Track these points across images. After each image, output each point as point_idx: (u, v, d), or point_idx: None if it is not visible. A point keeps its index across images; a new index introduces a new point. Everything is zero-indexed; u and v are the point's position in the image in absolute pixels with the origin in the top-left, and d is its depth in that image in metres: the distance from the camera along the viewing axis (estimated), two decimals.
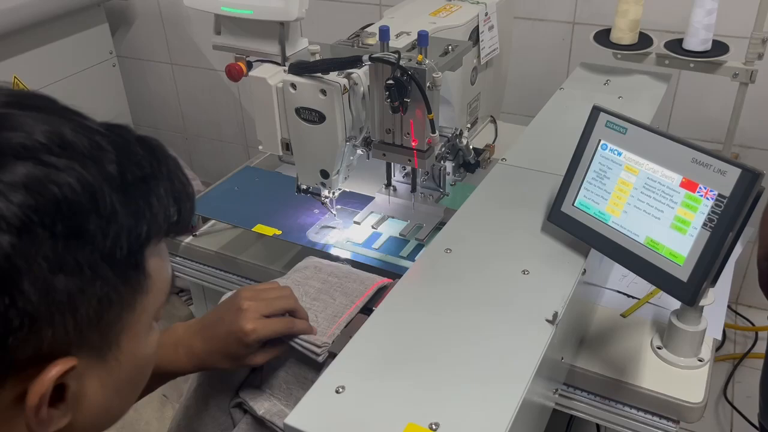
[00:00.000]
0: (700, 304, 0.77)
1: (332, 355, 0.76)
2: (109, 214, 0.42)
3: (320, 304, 0.85)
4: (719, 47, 1.25)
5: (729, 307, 1.94)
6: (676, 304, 0.84)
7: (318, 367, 0.79)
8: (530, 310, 0.73)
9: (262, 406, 0.81)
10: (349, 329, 0.80)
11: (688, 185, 0.71)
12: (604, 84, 1.29)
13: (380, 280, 0.90)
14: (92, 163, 0.43)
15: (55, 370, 0.42)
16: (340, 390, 0.64)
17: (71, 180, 0.41)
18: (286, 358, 0.82)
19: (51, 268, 0.40)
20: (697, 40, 1.23)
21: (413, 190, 1.10)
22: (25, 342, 0.40)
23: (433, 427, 0.60)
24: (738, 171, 0.67)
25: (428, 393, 0.64)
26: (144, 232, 0.45)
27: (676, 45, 1.27)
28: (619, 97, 1.22)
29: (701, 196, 0.70)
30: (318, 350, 0.78)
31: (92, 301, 0.43)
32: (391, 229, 1.09)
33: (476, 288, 0.77)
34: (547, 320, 0.71)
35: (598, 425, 1.11)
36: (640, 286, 1.00)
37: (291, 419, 0.61)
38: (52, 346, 0.42)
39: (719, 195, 0.69)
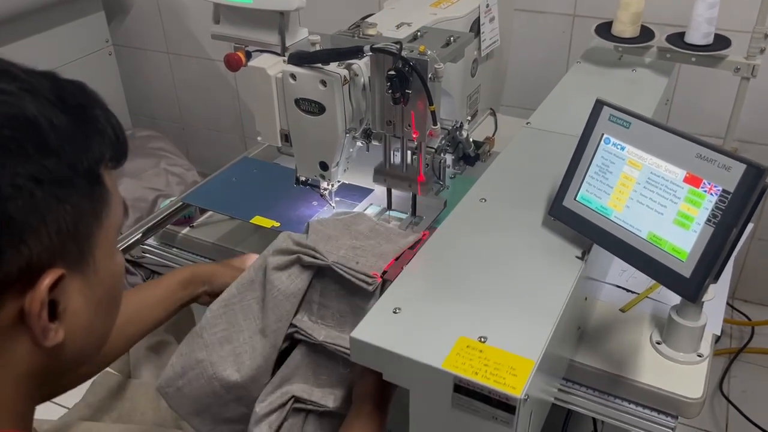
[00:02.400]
0: (702, 300, 0.77)
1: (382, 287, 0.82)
2: (64, 131, 0.48)
3: (369, 245, 0.88)
4: (721, 41, 1.24)
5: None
6: (675, 299, 0.84)
7: (369, 298, 0.84)
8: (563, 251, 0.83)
9: (320, 333, 0.85)
10: (399, 263, 0.85)
11: (692, 180, 0.71)
12: (604, 77, 1.28)
13: (423, 235, 0.93)
14: (35, 91, 0.47)
15: (48, 279, 0.47)
16: (397, 311, 0.73)
17: (25, 102, 0.46)
18: (337, 292, 0.86)
19: (29, 178, 0.45)
20: (699, 34, 1.22)
21: (413, 214, 1.07)
22: (18, 252, 0.45)
23: (482, 339, 0.69)
24: (743, 167, 0.66)
25: (475, 312, 0.73)
26: (96, 150, 0.50)
27: (677, 39, 1.26)
28: (619, 91, 1.21)
29: (705, 191, 0.70)
30: (369, 279, 0.82)
31: (68, 209, 0.48)
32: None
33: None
34: (577, 257, 0.82)
35: (594, 420, 1.12)
36: (639, 280, 1.00)
37: (356, 333, 0.70)
38: (40, 256, 0.46)
39: (723, 190, 0.68)
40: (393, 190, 1.10)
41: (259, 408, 0.85)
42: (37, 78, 0.49)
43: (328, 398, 0.86)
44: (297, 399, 0.86)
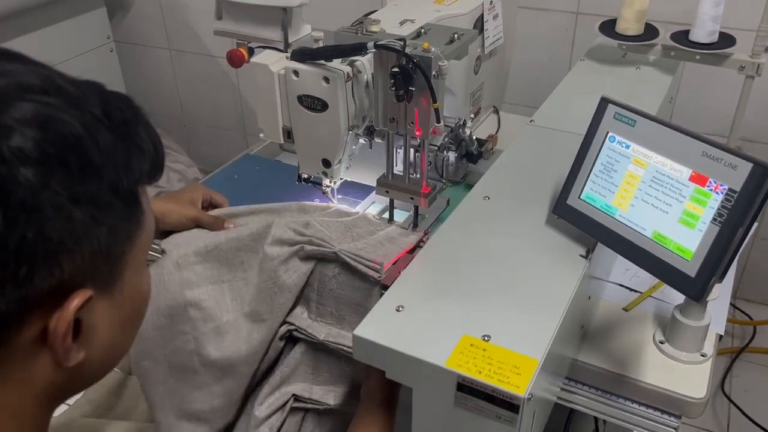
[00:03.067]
0: (706, 299, 0.77)
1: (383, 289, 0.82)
2: (108, 150, 0.46)
3: (371, 246, 0.88)
4: (726, 39, 1.23)
5: None
6: (679, 298, 0.83)
7: (369, 296, 0.84)
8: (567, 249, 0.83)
9: (321, 332, 0.85)
10: (398, 266, 0.86)
11: (698, 179, 0.70)
12: (608, 75, 1.28)
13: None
14: (82, 105, 0.46)
15: (76, 300, 0.46)
16: (400, 309, 0.73)
17: (71, 118, 0.44)
18: (335, 292, 0.85)
19: (70, 198, 0.43)
20: (704, 32, 1.21)
21: (415, 226, 1.04)
22: (50, 272, 0.44)
23: (486, 338, 0.69)
24: (750, 165, 0.66)
25: (479, 311, 0.73)
26: (136, 169, 0.49)
27: (682, 36, 1.25)
28: (623, 89, 1.21)
29: (711, 190, 0.69)
30: (375, 266, 0.83)
31: (104, 231, 0.46)
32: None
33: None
34: (581, 256, 0.82)
35: (596, 419, 1.11)
36: (642, 279, 0.99)
37: (359, 331, 0.70)
38: (71, 276, 0.45)
39: (730, 189, 0.68)
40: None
41: (258, 411, 0.84)
42: (84, 91, 0.48)
43: (329, 396, 0.86)
44: (297, 398, 0.86)
